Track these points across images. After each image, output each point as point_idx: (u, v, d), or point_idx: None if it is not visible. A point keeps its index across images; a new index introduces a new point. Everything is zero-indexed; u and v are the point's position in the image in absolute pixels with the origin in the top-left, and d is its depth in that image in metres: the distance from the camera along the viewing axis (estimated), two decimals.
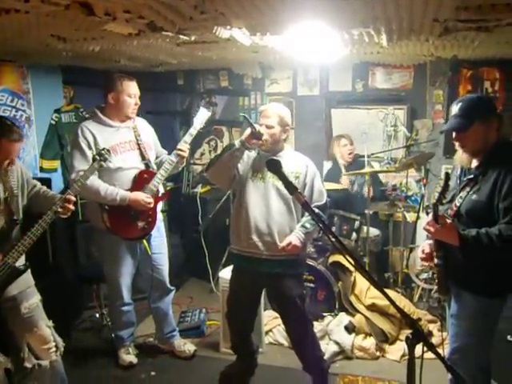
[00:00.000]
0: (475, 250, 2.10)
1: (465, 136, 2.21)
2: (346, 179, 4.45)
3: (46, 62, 4.00)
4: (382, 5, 2.09)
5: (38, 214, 2.42)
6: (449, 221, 2.18)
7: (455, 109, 2.22)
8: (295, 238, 2.70)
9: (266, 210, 2.75)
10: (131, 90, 3.08)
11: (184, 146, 3.17)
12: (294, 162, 2.81)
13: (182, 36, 2.68)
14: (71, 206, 2.49)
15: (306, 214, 2.78)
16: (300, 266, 2.89)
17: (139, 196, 3.03)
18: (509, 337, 2.75)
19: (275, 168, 2.13)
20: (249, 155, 2.87)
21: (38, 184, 2.70)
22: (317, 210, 2.70)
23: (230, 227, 2.89)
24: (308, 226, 2.74)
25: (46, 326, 2.56)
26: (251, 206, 2.76)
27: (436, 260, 2.27)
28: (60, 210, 2.43)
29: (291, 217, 2.79)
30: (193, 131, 3.18)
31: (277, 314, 3.84)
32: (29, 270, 2.53)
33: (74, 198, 2.49)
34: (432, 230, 2.16)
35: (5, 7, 2.00)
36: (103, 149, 2.70)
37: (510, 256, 2.11)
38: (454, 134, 2.24)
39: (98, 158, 2.61)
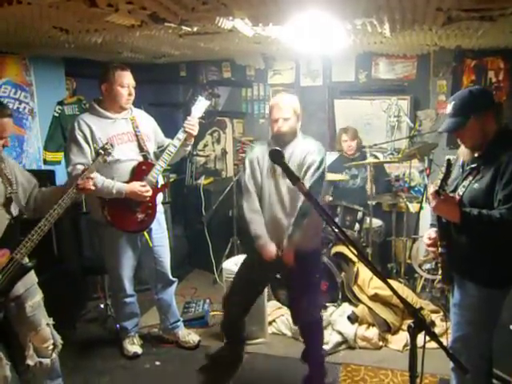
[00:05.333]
0: (475, 228, 2.12)
1: (462, 134, 2.21)
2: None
3: (49, 54, 4.00)
4: None
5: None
6: (452, 195, 2.19)
7: (449, 108, 2.21)
8: (286, 255, 2.77)
9: (281, 206, 2.81)
10: (124, 80, 3.03)
11: (192, 120, 3.13)
12: (298, 151, 2.82)
13: (184, 27, 2.68)
14: (90, 183, 2.47)
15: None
16: (314, 259, 2.97)
17: (134, 186, 3.01)
18: (511, 326, 2.75)
19: (277, 158, 2.13)
20: (263, 151, 2.86)
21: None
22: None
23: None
24: (294, 234, 2.75)
25: (46, 325, 2.55)
26: (267, 204, 2.84)
27: (440, 249, 2.28)
28: (79, 186, 2.41)
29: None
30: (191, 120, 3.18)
31: (280, 305, 3.88)
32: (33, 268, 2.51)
33: (88, 185, 2.47)
34: (434, 202, 2.15)
35: None
36: (106, 143, 2.68)
37: (507, 241, 2.12)
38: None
39: (102, 152, 2.57)
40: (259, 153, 2.89)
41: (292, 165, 2.75)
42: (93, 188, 2.54)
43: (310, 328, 3.00)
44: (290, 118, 2.77)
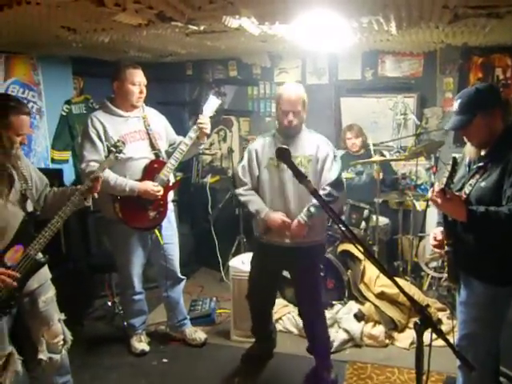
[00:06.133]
0: (483, 226, 2.09)
1: (468, 132, 2.20)
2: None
3: (57, 54, 4.03)
4: None
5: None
6: (457, 194, 2.18)
7: (455, 105, 2.20)
8: (297, 222, 2.78)
9: (283, 197, 2.84)
10: (135, 78, 3.06)
11: (205, 119, 3.15)
12: (307, 144, 2.86)
13: (191, 26, 2.69)
14: (98, 186, 2.48)
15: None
16: (319, 253, 3.02)
17: (147, 185, 3.04)
18: None
19: (284, 157, 2.14)
20: (263, 144, 2.92)
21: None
22: (329, 189, 2.79)
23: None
24: (312, 209, 2.78)
25: (57, 320, 2.58)
26: (268, 195, 2.87)
27: (446, 248, 2.28)
28: (88, 187, 2.43)
29: (309, 200, 2.83)
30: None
31: (286, 303, 3.88)
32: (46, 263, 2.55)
33: (101, 175, 2.50)
34: (439, 201, 2.11)
35: None
36: (118, 141, 2.71)
37: None
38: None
39: (113, 149, 2.61)
40: (259, 145, 2.93)
41: (301, 157, 2.80)
42: (97, 192, 2.53)
43: (314, 321, 3.04)
44: (301, 110, 2.78)
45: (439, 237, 2.33)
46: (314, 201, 2.76)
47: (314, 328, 3.06)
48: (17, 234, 2.29)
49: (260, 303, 3.20)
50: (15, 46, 3.56)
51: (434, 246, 2.36)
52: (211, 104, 3.21)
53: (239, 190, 2.98)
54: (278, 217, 2.79)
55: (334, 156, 2.88)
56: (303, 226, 2.78)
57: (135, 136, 3.12)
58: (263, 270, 3.05)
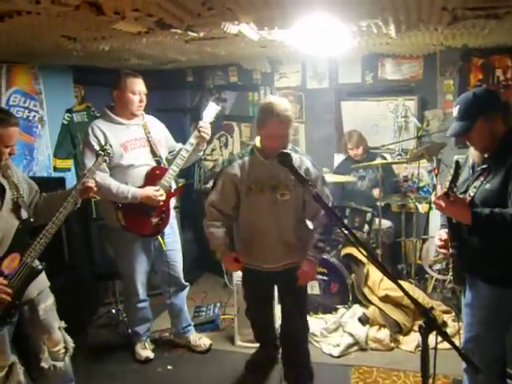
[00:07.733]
0: (487, 228, 2.09)
1: (470, 137, 2.19)
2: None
3: (57, 63, 4.05)
4: None
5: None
6: (462, 196, 2.17)
7: (454, 111, 2.20)
8: (309, 265, 2.68)
9: (268, 222, 2.69)
10: (135, 87, 3.08)
11: (205, 125, 3.17)
12: (296, 164, 2.56)
13: (190, 33, 2.70)
14: (90, 185, 2.47)
15: (316, 229, 2.67)
16: None
17: (149, 191, 3.05)
18: None
19: (287, 162, 2.15)
20: (242, 166, 2.67)
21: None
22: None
23: (236, 240, 2.93)
24: (321, 245, 2.70)
25: (58, 329, 2.57)
26: (252, 222, 2.76)
27: (451, 250, 2.27)
28: (80, 191, 2.43)
29: (297, 225, 2.71)
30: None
31: None
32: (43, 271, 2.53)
33: (91, 184, 2.48)
34: (443, 204, 2.09)
35: (16, 9, 2.04)
36: (105, 143, 2.77)
37: None
38: None
39: (101, 153, 2.62)
40: (237, 169, 2.68)
41: (287, 180, 2.61)
42: (95, 188, 2.51)
43: (300, 342, 2.97)
44: (290, 132, 2.55)
45: (444, 237, 2.33)
46: (317, 235, 2.67)
47: (300, 351, 2.97)
48: (12, 242, 2.30)
49: (259, 318, 3.18)
50: (16, 56, 3.58)
51: (440, 247, 2.35)
52: (210, 110, 3.23)
53: (204, 221, 2.85)
54: (229, 262, 2.76)
55: (322, 177, 2.73)
56: (315, 265, 2.71)
57: (136, 143, 3.14)
58: (254, 291, 3.04)
